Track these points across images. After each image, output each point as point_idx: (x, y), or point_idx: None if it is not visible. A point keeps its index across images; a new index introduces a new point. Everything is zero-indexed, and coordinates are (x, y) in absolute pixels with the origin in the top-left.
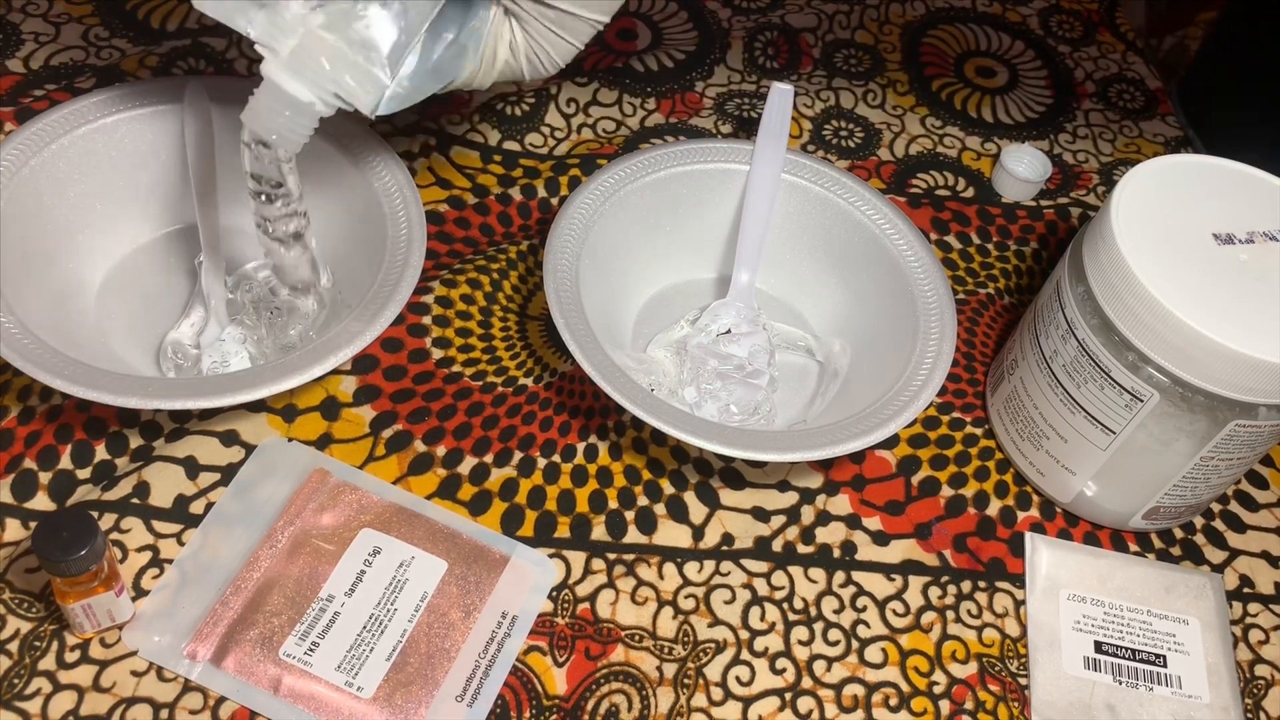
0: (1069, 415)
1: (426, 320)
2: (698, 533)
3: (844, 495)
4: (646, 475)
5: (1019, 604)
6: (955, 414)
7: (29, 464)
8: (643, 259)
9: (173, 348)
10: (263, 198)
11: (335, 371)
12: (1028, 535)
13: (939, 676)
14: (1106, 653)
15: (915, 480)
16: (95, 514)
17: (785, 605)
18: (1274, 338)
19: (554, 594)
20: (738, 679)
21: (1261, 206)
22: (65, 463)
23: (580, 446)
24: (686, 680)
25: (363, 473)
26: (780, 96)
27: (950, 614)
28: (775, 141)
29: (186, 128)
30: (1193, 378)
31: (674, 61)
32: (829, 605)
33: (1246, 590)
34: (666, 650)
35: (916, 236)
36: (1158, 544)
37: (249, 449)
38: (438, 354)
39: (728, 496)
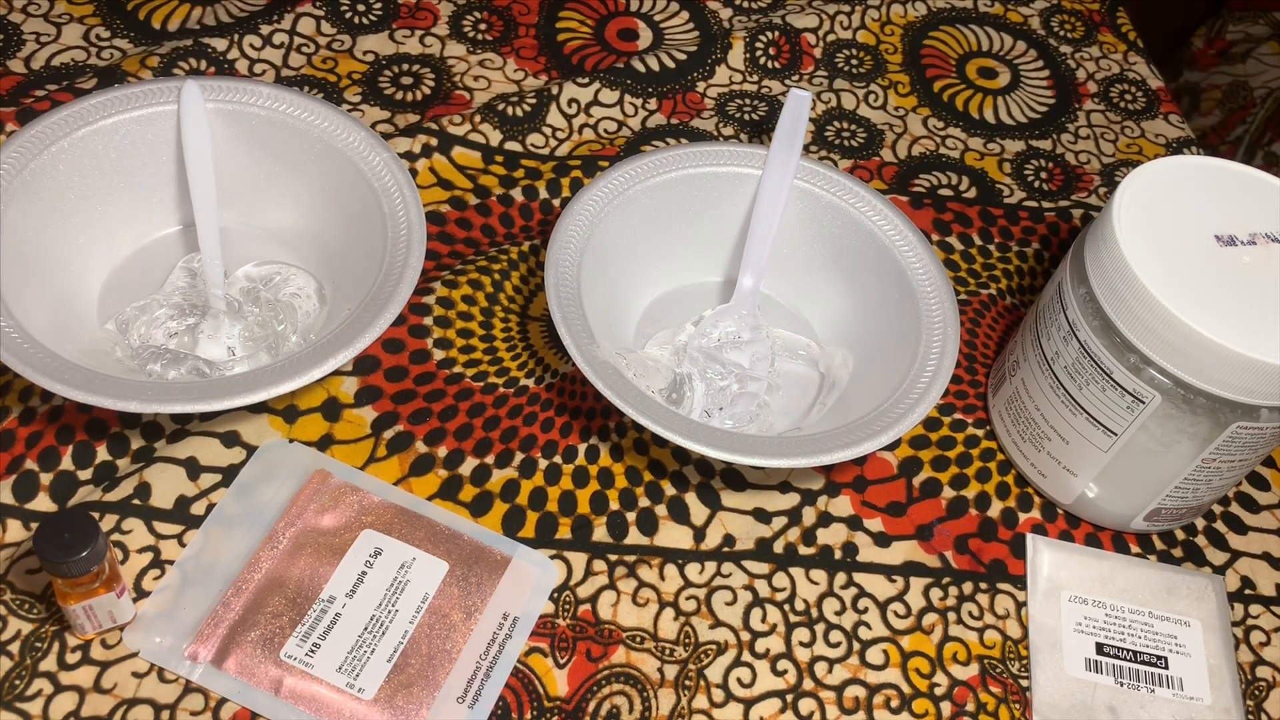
0: (1070, 417)
1: (428, 321)
2: (699, 534)
3: (845, 497)
4: (648, 476)
5: (1020, 605)
6: (957, 415)
7: (30, 465)
8: (647, 261)
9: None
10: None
11: (336, 373)
12: (1029, 537)
13: (940, 678)
14: (1108, 654)
15: (916, 482)
16: (96, 515)
17: (786, 607)
18: (1276, 339)
19: (555, 595)
20: (739, 680)
21: (1264, 208)
22: (67, 464)
23: (581, 448)
24: (688, 682)
25: (364, 474)
26: (798, 102)
27: (951, 615)
28: (790, 148)
29: (184, 128)
30: (1194, 380)
31: (675, 62)
32: (830, 607)
33: (1248, 592)
34: (668, 652)
35: (927, 251)
36: (1159, 545)
37: (250, 450)
38: (439, 355)
39: (729, 498)
